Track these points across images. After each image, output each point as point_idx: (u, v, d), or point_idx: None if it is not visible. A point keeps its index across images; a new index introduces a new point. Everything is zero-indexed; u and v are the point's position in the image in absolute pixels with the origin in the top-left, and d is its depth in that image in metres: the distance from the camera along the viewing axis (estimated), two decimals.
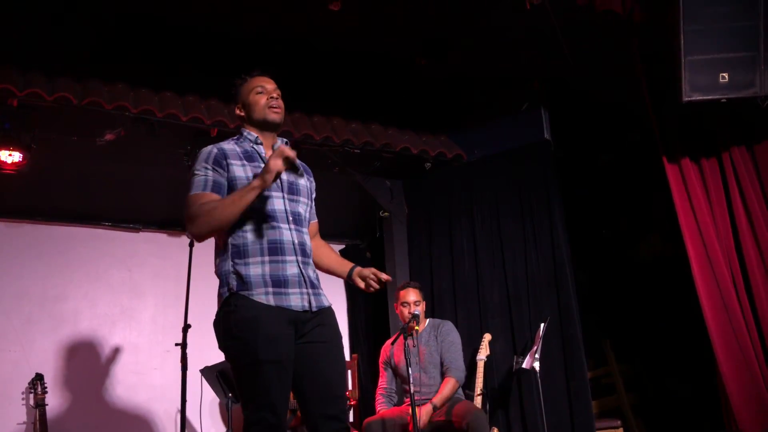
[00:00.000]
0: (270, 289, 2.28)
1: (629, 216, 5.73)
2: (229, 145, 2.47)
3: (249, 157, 2.45)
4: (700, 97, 3.71)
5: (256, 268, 2.30)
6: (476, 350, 4.45)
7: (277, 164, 2.24)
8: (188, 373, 3.96)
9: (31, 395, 4.43)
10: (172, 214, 5.28)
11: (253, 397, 2.25)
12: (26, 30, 3.99)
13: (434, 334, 4.30)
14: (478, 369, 4.33)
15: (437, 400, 4.00)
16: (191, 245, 4.18)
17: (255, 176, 2.30)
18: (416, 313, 4.14)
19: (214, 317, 2.44)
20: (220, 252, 2.41)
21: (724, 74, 3.67)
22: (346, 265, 2.58)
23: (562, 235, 4.65)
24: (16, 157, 3.97)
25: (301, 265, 2.37)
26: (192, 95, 4.32)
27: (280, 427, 2.24)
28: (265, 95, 2.50)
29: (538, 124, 4.89)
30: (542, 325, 4.29)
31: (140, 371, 4.97)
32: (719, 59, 3.68)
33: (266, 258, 2.31)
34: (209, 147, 2.44)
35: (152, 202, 5.09)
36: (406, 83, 4.93)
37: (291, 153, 2.27)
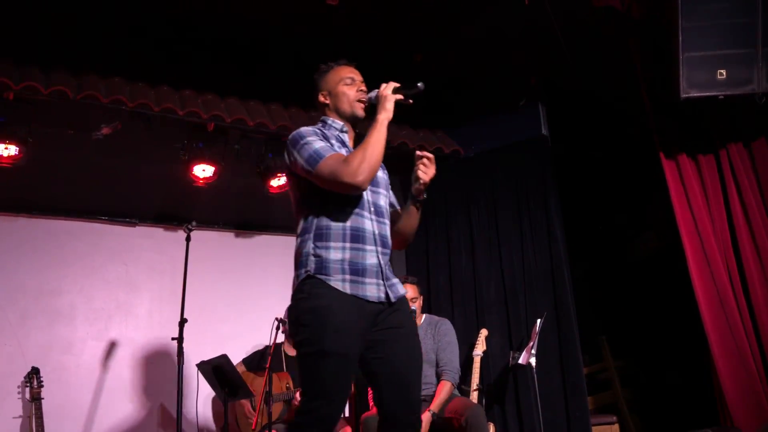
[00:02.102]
0: (347, 277, 2.26)
1: (626, 212, 5.73)
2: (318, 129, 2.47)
3: (340, 141, 2.47)
4: (698, 94, 3.71)
5: (336, 253, 2.28)
6: (473, 346, 4.45)
7: (389, 94, 2.38)
8: (184, 367, 3.95)
9: (27, 389, 4.42)
10: (168, 209, 5.27)
11: (311, 386, 2.22)
12: (22, 23, 3.98)
13: (431, 332, 4.28)
14: (474, 364, 4.33)
15: (435, 406, 3.96)
16: (188, 240, 4.17)
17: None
18: (413, 309, 4.13)
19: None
20: (302, 233, 2.38)
21: (721, 71, 3.67)
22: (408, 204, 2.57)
23: (558, 231, 4.65)
24: (12, 150, 3.95)
25: (380, 256, 2.36)
26: (188, 90, 4.31)
27: (332, 418, 2.21)
28: (354, 86, 2.52)
29: (535, 120, 4.89)
30: (539, 320, 4.29)
31: (136, 366, 4.97)
32: (717, 56, 3.68)
33: (347, 244, 2.30)
34: (307, 127, 2.44)
35: (148, 196, 5.08)
36: (403, 79, 4.91)
37: (394, 83, 2.41)
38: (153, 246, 5.25)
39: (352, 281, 2.26)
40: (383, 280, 2.35)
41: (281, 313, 4.61)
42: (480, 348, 4.43)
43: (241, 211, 5.61)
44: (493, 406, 4.63)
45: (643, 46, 4.21)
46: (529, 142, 4.89)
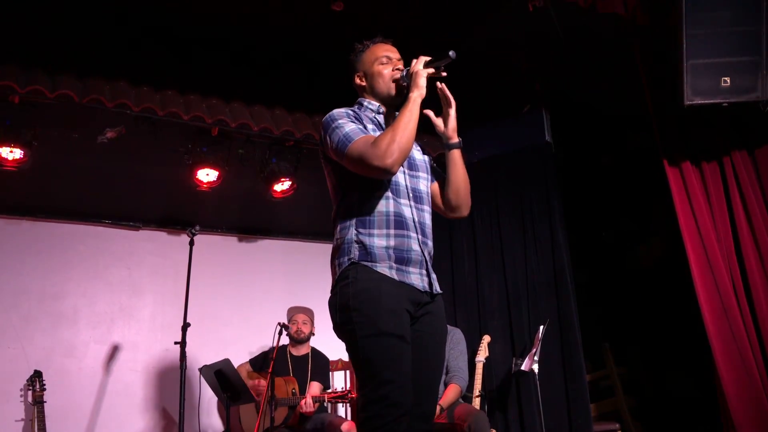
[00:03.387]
0: (393, 264, 2.17)
1: (629, 219, 5.72)
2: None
3: (375, 123, 2.37)
4: (702, 101, 3.70)
5: (380, 240, 2.19)
6: (475, 352, 4.45)
7: (420, 69, 2.26)
8: (187, 371, 3.95)
9: (30, 392, 4.43)
10: (172, 213, 5.28)
11: (372, 374, 2.05)
12: (28, 27, 3.99)
13: None
14: (476, 370, 4.33)
15: (444, 403, 4.00)
16: (191, 244, 4.18)
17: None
18: None
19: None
20: (342, 220, 2.27)
21: (726, 78, 3.66)
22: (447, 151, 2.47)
23: (562, 237, 4.65)
24: (16, 153, 3.97)
25: (421, 244, 2.27)
26: (193, 94, 4.32)
27: (404, 406, 2.02)
28: (390, 65, 2.40)
29: (539, 126, 4.88)
30: (541, 327, 4.29)
31: (139, 369, 4.97)
32: (721, 63, 3.67)
33: (392, 231, 2.21)
34: (340, 109, 2.31)
35: (152, 200, 5.09)
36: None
37: (425, 57, 2.27)
38: (156, 250, 5.27)
39: (398, 269, 2.17)
40: (426, 269, 2.27)
41: (284, 317, 4.61)
42: (482, 354, 4.42)
43: (244, 216, 5.62)
44: (496, 413, 4.62)
45: (647, 53, 4.20)
46: (532, 148, 4.89)
